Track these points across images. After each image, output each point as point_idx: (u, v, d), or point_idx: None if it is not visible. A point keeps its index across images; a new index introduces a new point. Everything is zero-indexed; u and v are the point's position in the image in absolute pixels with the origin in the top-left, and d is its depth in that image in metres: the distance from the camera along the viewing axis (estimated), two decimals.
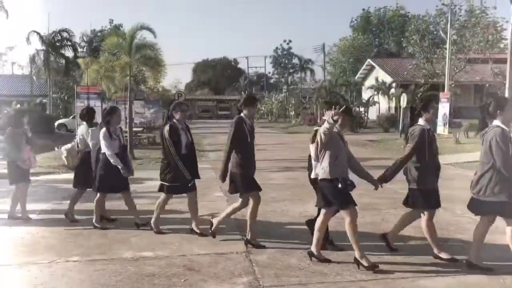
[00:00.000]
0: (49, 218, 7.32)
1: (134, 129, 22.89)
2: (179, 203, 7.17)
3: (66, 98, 40.16)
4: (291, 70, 74.54)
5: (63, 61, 35.23)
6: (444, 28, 29.26)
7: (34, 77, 39.06)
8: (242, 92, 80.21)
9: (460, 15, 30.71)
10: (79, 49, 38.14)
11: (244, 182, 5.73)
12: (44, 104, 37.40)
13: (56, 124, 32.03)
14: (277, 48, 75.67)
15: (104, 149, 6.47)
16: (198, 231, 6.21)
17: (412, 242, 5.84)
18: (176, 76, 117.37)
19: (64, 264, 5.14)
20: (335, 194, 4.94)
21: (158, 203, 6.39)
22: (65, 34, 33.90)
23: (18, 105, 32.91)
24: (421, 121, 5.21)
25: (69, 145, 6.94)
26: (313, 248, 5.16)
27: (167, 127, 6.12)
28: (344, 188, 4.89)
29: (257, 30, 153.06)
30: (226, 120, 57.48)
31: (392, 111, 34.77)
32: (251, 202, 5.76)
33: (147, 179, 10.76)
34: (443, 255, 5.10)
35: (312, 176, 5.31)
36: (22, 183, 7.11)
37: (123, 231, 6.49)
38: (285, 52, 74.44)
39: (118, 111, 6.83)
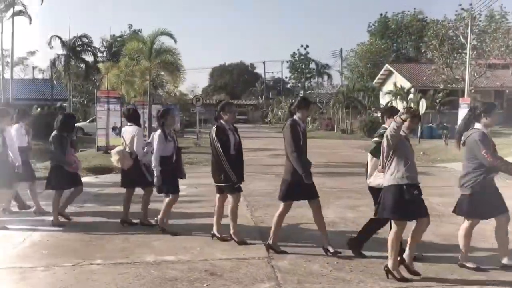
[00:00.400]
0: (74, 221, 7.38)
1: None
2: (199, 207, 7.22)
3: (85, 102, 40.67)
4: (308, 75, 74.36)
5: (83, 66, 35.71)
6: (464, 33, 28.95)
7: (55, 81, 39.64)
8: (259, 97, 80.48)
9: (480, 20, 30.37)
10: (99, 54, 38.65)
11: (290, 189, 5.57)
12: (64, 108, 37.89)
13: None
14: (294, 53, 75.56)
15: (154, 150, 6.42)
16: (235, 238, 6.07)
17: (434, 250, 5.77)
18: (193, 80, 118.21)
19: (88, 267, 5.21)
20: (403, 202, 4.63)
21: (232, 212, 6.06)
22: (85, 39, 34.37)
23: (39, 109, 33.44)
24: (478, 126, 4.99)
25: (119, 147, 6.97)
26: (390, 266, 4.76)
27: (214, 128, 6.04)
28: (417, 195, 4.67)
29: (274, 35, 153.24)
30: (243, 125, 57.53)
31: None
32: (282, 207, 5.68)
33: None
34: (470, 265, 5.04)
35: (373, 184, 5.24)
36: (61, 189, 7.11)
37: (145, 235, 6.54)
38: (302, 57, 74.29)
39: (172, 113, 6.79)
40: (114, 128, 19.66)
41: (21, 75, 52.21)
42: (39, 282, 4.81)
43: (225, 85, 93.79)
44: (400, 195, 4.61)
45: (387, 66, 44.10)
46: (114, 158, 6.94)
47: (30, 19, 28.29)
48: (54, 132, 7.10)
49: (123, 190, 7.28)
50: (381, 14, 59.66)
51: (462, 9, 29.45)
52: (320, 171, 8.41)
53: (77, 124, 35.07)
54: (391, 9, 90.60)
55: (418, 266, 5.00)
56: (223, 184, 6.01)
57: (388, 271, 4.76)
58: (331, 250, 5.50)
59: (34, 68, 52.65)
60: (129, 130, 7.09)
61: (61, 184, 7.09)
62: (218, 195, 6.25)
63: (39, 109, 36.32)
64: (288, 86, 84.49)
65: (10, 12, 27.16)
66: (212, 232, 6.27)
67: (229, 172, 5.88)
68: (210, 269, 5.12)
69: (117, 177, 12.10)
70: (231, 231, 6.10)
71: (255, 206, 8.48)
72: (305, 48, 74.49)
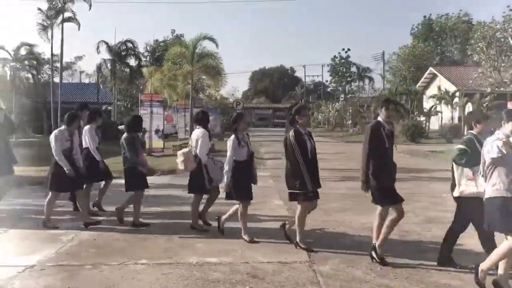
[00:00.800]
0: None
1: None
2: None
3: (129, 105, 41.75)
4: (348, 79, 73.53)
5: (128, 70, 36.70)
6: None
7: (101, 85, 40.91)
8: (299, 101, 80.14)
9: None
10: (143, 59, 39.67)
11: (381, 194, 5.38)
12: (109, 111, 39.07)
13: None
14: (335, 56, 74.90)
15: (228, 156, 6.27)
16: (302, 246, 5.93)
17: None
18: (233, 84, 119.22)
19: (133, 267, 5.33)
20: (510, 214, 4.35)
21: (297, 218, 5.89)
22: (129, 44, 35.35)
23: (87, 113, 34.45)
24: None
25: (186, 149, 7.05)
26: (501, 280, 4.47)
27: (292, 132, 5.81)
28: None
29: (314, 39, 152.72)
30: (282, 129, 57.52)
31: (456, 120, 33.48)
32: (384, 212, 5.43)
33: None
34: None
35: (466, 193, 5.03)
36: (140, 190, 7.21)
37: (188, 236, 6.64)
38: (343, 61, 73.56)
39: (244, 117, 6.67)
40: (157, 131, 20.10)
41: (69, 79, 54.22)
42: (86, 280, 4.95)
43: (265, 88, 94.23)
44: (507, 207, 4.38)
45: (431, 69, 43.10)
46: (178, 160, 6.97)
47: (79, 25, 29.34)
48: (125, 134, 7.19)
49: (167, 192, 7.42)
50: (424, 17, 58.44)
51: (511, 10, 28.39)
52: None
53: (119, 127, 36.23)
54: (435, 11, 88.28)
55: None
56: (297, 191, 5.78)
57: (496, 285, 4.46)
58: (375, 255, 5.40)
59: (81, 72, 54.53)
60: (196, 133, 7.05)
61: (140, 185, 7.18)
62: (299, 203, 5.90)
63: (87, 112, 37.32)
64: (329, 89, 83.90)
65: (60, 18, 28.25)
66: (295, 241, 6.00)
67: (306, 179, 5.67)
68: (252, 272, 5.14)
69: (160, 179, 12.44)
70: (297, 238, 5.98)
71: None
72: (346, 52, 73.73)
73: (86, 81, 54.33)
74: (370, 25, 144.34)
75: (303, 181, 5.69)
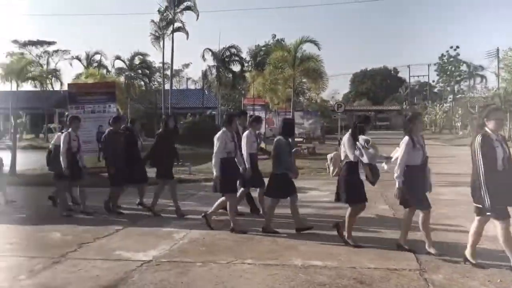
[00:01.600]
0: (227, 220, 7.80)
1: (295, 139, 23.55)
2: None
3: (232, 109, 43.10)
4: (458, 78, 69.11)
5: (231, 76, 37.94)
6: None
7: (206, 91, 42.75)
8: (403, 102, 77.13)
9: None
10: (245, 64, 40.72)
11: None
12: (213, 116, 40.70)
13: None
14: (442, 55, 70.77)
15: (403, 160, 5.77)
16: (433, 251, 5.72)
17: None
18: (334, 86, 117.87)
19: (240, 266, 5.49)
20: None
21: (472, 232, 5.34)
22: (233, 50, 36.51)
23: (191, 117, 36.29)
24: None
25: (333, 153, 7.00)
26: None
27: (479, 138, 5.08)
28: None
29: (419, 37, 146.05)
30: (385, 131, 55.74)
31: None
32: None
33: (310, 189, 11.05)
34: None
35: None
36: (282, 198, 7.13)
37: (292, 238, 6.69)
38: (451, 59, 69.31)
39: (419, 118, 6.34)
40: (258, 134, 20.49)
41: (176, 86, 57.40)
42: (197, 276, 5.19)
43: (367, 90, 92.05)
44: None
45: None
46: (327, 163, 6.95)
47: (187, 35, 30.91)
48: (279, 138, 7.10)
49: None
50: None
51: None
52: None
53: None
54: None
55: None
56: (479, 206, 5.10)
57: None
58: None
59: (188, 79, 57.40)
60: (345, 137, 6.69)
61: (285, 193, 7.02)
62: (477, 217, 5.28)
63: (191, 117, 39.34)
64: (435, 90, 79.56)
65: (170, 29, 30.01)
66: (432, 251, 5.76)
67: (484, 196, 4.93)
68: (358, 277, 5.04)
69: None
70: (426, 245, 5.81)
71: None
72: (455, 49, 69.35)
73: (192, 87, 57.21)
74: (481, 21, 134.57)
75: (482, 196, 5.00)
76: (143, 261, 5.68)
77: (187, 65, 51.80)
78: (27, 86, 35.40)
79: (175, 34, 30.54)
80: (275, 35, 48.74)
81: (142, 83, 39.52)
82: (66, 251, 6.12)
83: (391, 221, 7.78)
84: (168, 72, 42.44)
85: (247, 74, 26.52)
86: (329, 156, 6.84)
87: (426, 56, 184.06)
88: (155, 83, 42.11)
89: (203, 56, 37.02)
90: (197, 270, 5.39)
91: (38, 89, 36.92)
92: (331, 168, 6.71)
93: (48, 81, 37.98)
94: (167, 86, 44.03)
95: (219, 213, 7.70)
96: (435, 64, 72.88)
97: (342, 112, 27.41)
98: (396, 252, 5.88)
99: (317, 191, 11.25)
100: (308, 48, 17.24)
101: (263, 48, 44.39)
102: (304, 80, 21.26)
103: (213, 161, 7.11)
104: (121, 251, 6.13)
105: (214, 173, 7.10)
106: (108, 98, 13.53)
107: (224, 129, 7.29)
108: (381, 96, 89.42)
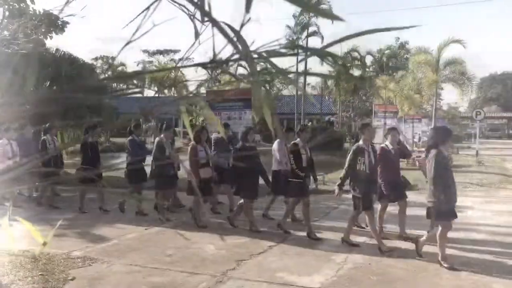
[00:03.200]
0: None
1: (422, 148, 21.98)
2: None
3: (352, 116, 41.87)
4: None
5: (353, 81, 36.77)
6: None
7: (326, 97, 42.00)
8: None
9: None
10: (366, 69, 39.30)
11: None
12: (332, 122, 39.81)
13: None
14: None
15: None
16: None
17: None
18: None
19: None
20: None
21: None
22: (355, 53, 35.31)
23: (310, 123, 35.81)
24: None
25: None
26: None
27: None
28: None
29: None
30: None
31: None
32: None
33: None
34: None
35: None
36: None
37: (474, 273, 5.68)
38: None
39: None
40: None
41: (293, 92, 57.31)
42: None
43: (497, 96, 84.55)
44: None
45: None
46: None
47: (322, 38, 30.19)
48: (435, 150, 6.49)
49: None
50: None
51: None
52: None
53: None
54: None
55: None
56: None
57: None
58: None
59: (307, 84, 57.01)
60: None
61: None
62: None
63: (310, 123, 38.86)
64: None
65: (305, 33, 29.61)
66: None
67: None
68: None
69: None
70: None
71: None
72: None
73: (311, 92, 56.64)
74: None
75: None
76: None
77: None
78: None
79: (310, 38, 30.08)
80: (398, 38, 46.64)
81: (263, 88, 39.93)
82: (226, 269, 5.77)
83: None
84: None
85: (378, 80, 25.26)
86: None
87: None
88: (275, 89, 42.26)
89: (322, 61, 36.21)
90: None
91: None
92: None
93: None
94: (285, 92, 44.14)
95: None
96: None
97: (482, 119, 25.02)
98: None
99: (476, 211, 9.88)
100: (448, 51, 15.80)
101: (386, 52, 42.61)
102: (444, 84, 19.62)
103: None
104: (283, 273, 5.62)
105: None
106: (244, 104, 13.40)
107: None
108: None
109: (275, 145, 8.43)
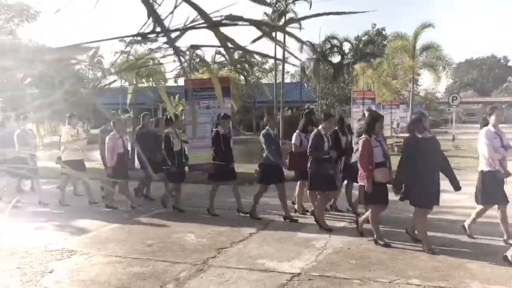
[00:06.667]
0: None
1: (400, 134, 22.31)
2: None
3: (331, 103, 42.02)
4: None
5: (331, 69, 36.83)
6: None
7: (305, 85, 42.01)
8: None
9: None
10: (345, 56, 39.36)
11: None
12: (312, 110, 39.88)
13: None
14: None
15: None
16: None
17: None
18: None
19: (405, 286, 4.75)
20: None
21: None
22: (334, 41, 35.33)
23: (290, 111, 35.86)
24: None
25: None
26: None
27: None
28: None
29: None
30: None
31: None
32: None
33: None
34: None
35: None
36: None
37: (454, 256, 5.79)
38: None
39: None
40: None
41: (272, 79, 57.18)
42: None
43: (472, 81, 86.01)
44: None
45: None
46: None
47: (300, 26, 29.75)
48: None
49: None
50: None
51: None
52: None
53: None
54: None
55: None
56: None
57: None
58: None
59: (286, 72, 56.91)
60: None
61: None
62: None
63: (289, 110, 38.91)
64: None
65: (282, 20, 29.15)
66: None
67: None
68: None
69: None
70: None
71: None
72: None
73: (288, 80, 56.53)
74: None
75: None
76: (292, 274, 5.15)
77: (286, 59, 51.29)
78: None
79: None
80: (375, 25, 46.86)
81: (242, 77, 39.62)
82: (207, 257, 5.77)
83: None
84: (266, 66, 42.40)
85: (356, 66, 25.30)
86: None
87: None
88: (253, 77, 42.06)
89: (301, 48, 36.25)
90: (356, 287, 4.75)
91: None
92: None
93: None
94: (264, 81, 44.08)
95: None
96: None
97: (458, 104, 25.41)
98: None
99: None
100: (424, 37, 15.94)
101: (363, 39, 42.76)
102: (421, 70, 19.82)
103: None
104: (264, 260, 5.65)
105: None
106: (223, 93, 13.31)
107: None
108: (489, 87, 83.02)
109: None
